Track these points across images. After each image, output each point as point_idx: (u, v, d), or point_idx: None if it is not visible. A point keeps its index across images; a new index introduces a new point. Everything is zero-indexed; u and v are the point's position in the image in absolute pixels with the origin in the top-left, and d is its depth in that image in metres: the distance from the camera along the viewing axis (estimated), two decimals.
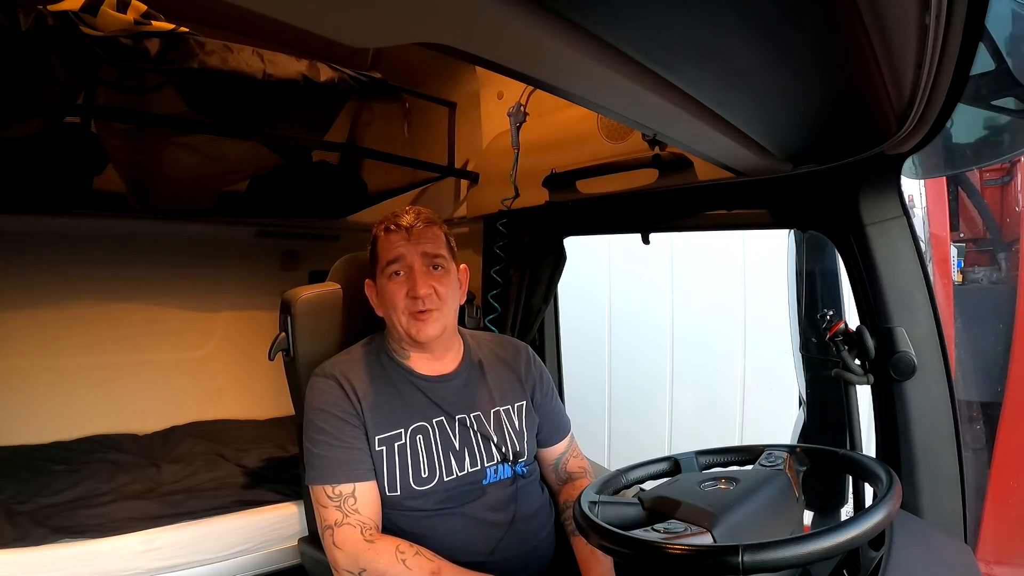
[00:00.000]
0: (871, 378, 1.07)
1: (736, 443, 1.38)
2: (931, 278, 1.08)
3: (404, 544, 1.04)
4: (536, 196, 1.64)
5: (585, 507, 0.82)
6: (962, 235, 2.23)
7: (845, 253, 1.12)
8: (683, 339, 2.73)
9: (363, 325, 1.29)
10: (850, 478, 1.22)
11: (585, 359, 2.87)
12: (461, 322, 1.31)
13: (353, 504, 1.06)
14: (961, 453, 1.06)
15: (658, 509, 0.83)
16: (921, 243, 1.10)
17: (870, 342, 1.05)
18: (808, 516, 1.30)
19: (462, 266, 1.23)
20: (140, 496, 1.68)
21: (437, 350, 1.20)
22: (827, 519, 1.58)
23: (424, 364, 1.19)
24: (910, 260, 1.07)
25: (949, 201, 2.17)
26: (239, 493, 1.71)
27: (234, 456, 2.02)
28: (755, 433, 2.47)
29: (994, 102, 1.23)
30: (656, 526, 0.77)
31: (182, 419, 2.38)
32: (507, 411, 1.23)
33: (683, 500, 0.80)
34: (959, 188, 2.19)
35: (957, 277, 2.20)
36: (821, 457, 0.95)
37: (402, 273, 1.13)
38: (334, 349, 1.27)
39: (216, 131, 1.63)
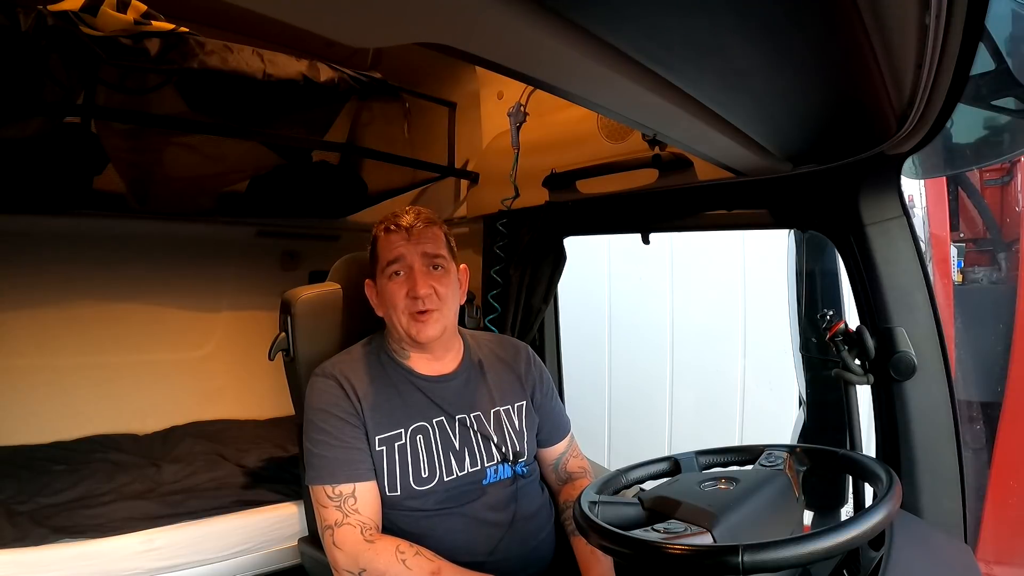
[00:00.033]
0: (871, 378, 1.07)
1: (736, 443, 1.38)
2: (931, 278, 1.08)
3: (404, 544, 1.04)
4: (536, 196, 1.64)
5: (585, 507, 0.82)
6: (962, 235, 2.23)
7: (845, 253, 1.12)
8: (683, 339, 2.73)
9: (363, 325, 1.29)
10: (850, 478, 1.22)
11: (585, 359, 2.87)
12: (461, 322, 1.31)
13: (353, 504, 1.06)
14: (961, 453, 1.06)
15: (658, 509, 0.83)
16: (921, 243, 1.10)
17: (870, 342, 1.05)
18: (808, 516, 1.30)
19: (462, 266, 1.23)
20: (140, 496, 1.68)
21: (437, 350, 1.20)
22: (827, 519, 1.58)
23: (424, 364, 1.19)
24: (910, 260, 1.07)
25: (949, 201, 2.17)
26: (239, 493, 1.71)
27: (234, 456, 2.02)
28: (755, 433, 2.47)
29: (994, 102, 1.23)
30: (656, 526, 0.77)
31: (182, 419, 2.38)
32: (507, 411, 1.23)
33: (683, 500, 0.80)
34: (959, 188, 2.19)
35: (957, 277, 2.20)
36: (821, 457, 0.95)
37: (402, 273, 1.13)
38: (334, 349, 1.27)
39: (216, 131, 1.63)
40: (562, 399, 1.48)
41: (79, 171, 1.69)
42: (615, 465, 1.04)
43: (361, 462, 1.09)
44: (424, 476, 1.12)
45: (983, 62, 1.08)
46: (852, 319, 1.11)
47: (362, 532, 1.05)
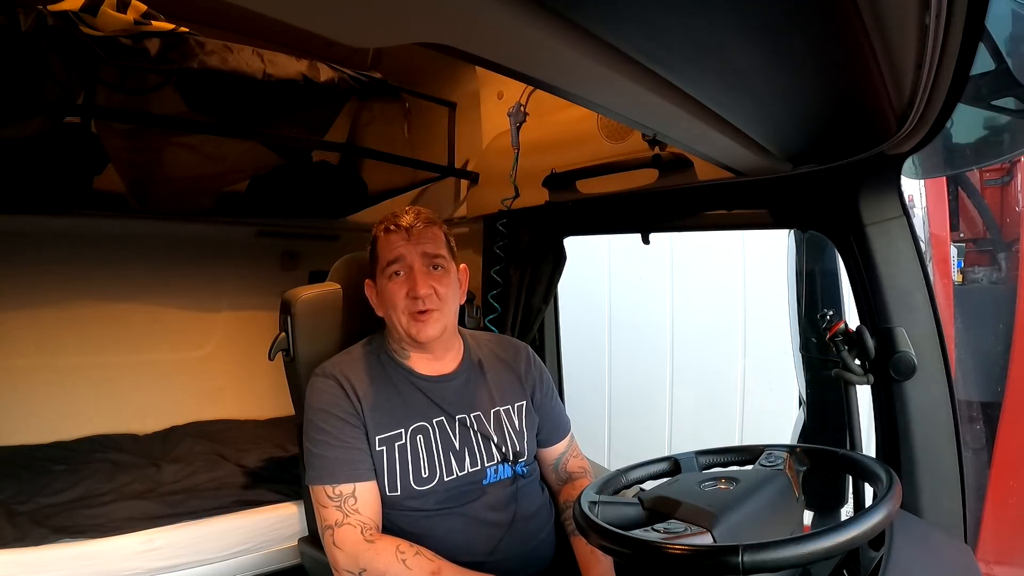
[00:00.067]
0: (871, 378, 1.07)
1: (736, 443, 1.38)
2: (931, 278, 1.08)
3: (404, 544, 1.04)
4: (536, 196, 1.64)
5: (585, 507, 0.82)
6: (962, 235, 2.23)
7: (845, 253, 1.12)
8: (683, 339, 2.73)
9: (363, 325, 1.29)
10: (850, 478, 1.22)
11: (585, 359, 2.87)
12: (461, 322, 1.31)
13: (353, 504, 1.06)
14: (961, 453, 1.06)
15: (658, 509, 0.83)
16: (921, 243, 1.10)
17: (870, 342, 1.05)
18: (808, 516, 1.30)
19: (462, 266, 1.23)
20: (140, 496, 1.68)
21: (437, 350, 1.20)
22: (827, 519, 1.58)
23: (424, 364, 1.19)
24: (910, 260, 1.07)
25: (949, 201, 2.17)
26: (239, 493, 1.71)
27: (234, 456, 2.02)
28: (755, 433, 2.47)
29: (994, 102, 1.23)
30: (656, 526, 0.77)
31: (182, 419, 2.38)
32: (507, 411, 1.23)
33: (683, 500, 0.80)
34: (959, 188, 2.19)
35: (957, 277, 2.20)
36: (821, 457, 0.95)
37: (402, 273, 1.13)
38: (334, 349, 1.27)
39: (216, 131, 1.63)
40: (562, 399, 1.48)
41: (79, 171, 1.69)
42: (615, 465, 1.04)
43: (361, 462, 1.09)
44: (424, 476, 1.12)
45: (983, 62, 1.08)
46: (852, 319, 1.11)
47: (362, 532, 1.05)
